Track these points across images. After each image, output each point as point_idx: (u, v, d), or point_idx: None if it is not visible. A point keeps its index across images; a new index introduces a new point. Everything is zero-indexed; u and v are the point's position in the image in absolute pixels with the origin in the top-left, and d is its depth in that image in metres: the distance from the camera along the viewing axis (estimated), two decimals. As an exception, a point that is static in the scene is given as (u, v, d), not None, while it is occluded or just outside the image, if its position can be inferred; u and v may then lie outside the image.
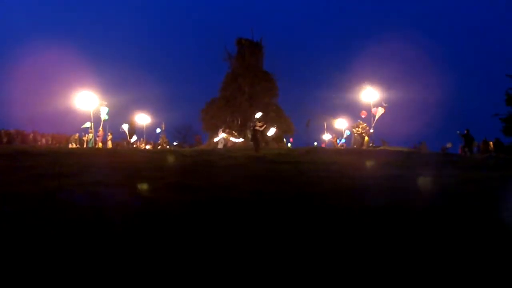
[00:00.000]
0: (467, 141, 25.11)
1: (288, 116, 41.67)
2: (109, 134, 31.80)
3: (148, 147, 35.71)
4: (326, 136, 42.40)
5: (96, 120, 30.30)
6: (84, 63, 64.47)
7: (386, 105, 31.43)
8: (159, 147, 35.63)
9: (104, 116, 30.61)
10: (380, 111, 31.03)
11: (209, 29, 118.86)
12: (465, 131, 25.24)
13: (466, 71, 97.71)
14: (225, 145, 29.20)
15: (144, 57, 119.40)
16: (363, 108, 32.39)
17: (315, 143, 43.60)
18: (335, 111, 42.41)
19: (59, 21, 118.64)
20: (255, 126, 22.92)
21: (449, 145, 29.59)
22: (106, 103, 30.76)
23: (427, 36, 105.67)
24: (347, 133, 37.45)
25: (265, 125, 23.22)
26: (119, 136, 36.75)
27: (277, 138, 36.97)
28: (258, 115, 32.19)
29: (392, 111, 33.43)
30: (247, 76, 40.18)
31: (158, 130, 40.35)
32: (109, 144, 31.42)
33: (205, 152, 22.62)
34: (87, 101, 29.44)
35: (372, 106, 31.47)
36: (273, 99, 41.29)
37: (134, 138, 36.40)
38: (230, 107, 39.09)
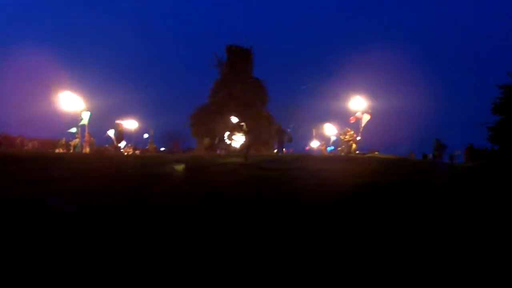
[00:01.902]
0: (438, 149, 25.65)
1: (278, 122, 41.77)
2: (92, 138, 31.58)
3: (137, 152, 35.52)
4: (314, 143, 42.44)
5: (82, 124, 30.12)
6: (71, 68, 63.90)
7: (370, 111, 31.62)
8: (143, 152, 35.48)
9: (85, 121, 30.25)
10: (365, 118, 31.18)
11: (198, 34, 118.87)
12: (435, 140, 25.77)
13: (453, 80, 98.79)
14: (226, 150, 28.57)
15: (132, 62, 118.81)
16: (352, 115, 32.50)
17: (284, 150, 42.95)
18: (323, 118, 42.40)
19: (45, 23, 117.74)
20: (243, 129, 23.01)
21: (456, 152, 29.98)
22: (85, 107, 30.38)
23: (416, 44, 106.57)
24: (333, 139, 37.55)
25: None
26: (106, 142, 36.49)
27: (267, 144, 37.03)
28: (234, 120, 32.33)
29: (381, 119, 33.65)
30: (238, 83, 40.29)
31: (146, 136, 40.17)
32: (93, 148, 31.35)
33: (194, 158, 22.57)
34: (71, 104, 29.19)
35: (361, 113, 31.55)
36: (264, 106, 41.44)
37: (123, 143, 36.16)
38: (220, 113, 39.06)
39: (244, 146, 22.62)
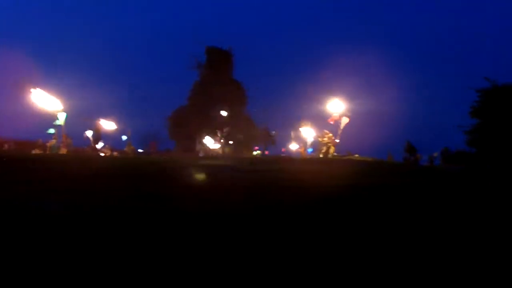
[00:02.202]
0: (410, 151, 26.09)
1: (257, 124, 41.99)
2: (69, 139, 31.38)
3: (115, 154, 35.28)
4: (293, 146, 42.70)
5: (58, 125, 29.88)
6: (47, 68, 63.00)
7: (349, 114, 31.93)
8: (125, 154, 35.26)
9: (61, 121, 29.93)
10: (344, 121, 31.44)
11: (179, 35, 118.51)
12: (406, 143, 26.20)
13: (432, 84, 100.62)
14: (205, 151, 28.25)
15: (110, 63, 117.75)
16: (330, 117, 32.71)
17: (258, 151, 43.05)
18: (301, 120, 42.63)
19: (17, 21, 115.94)
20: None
21: (435, 154, 30.52)
22: (62, 108, 30.07)
23: (393, 47, 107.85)
24: (310, 140, 37.88)
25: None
26: (84, 143, 36.19)
27: (246, 146, 37.19)
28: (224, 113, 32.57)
29: (360, 122, 34.06)
30: (216, 85, 40.32)
31: (124, 137, 39.87)
32: (71, 149, 31.22)
33: (173, 160, 22.54)
34: (48, 104, 28.88)
35: (338, 115, 31.78)
36: (242, 108, 41.60)
37: (101, 144, 35.92)
38: (199, 115, 39.07)
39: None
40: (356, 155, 29.97)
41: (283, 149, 42.60)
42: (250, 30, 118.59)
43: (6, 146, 31.63)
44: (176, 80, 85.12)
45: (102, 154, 33.19)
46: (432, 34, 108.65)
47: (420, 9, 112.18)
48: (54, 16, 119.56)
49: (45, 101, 28.80)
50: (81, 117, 34.98)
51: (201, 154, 30.29)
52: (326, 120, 33.03)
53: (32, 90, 28.66)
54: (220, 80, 40.30)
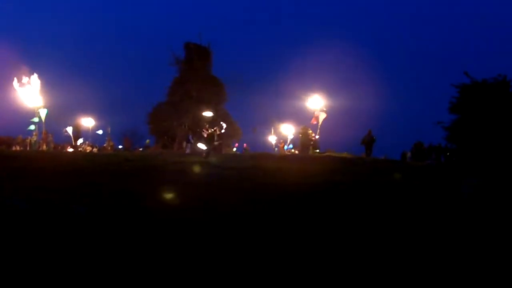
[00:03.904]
0: (368, 143, 26.14)
1: (236, 121, 41.92)
2: (49, 135, 31.19)
3: (94, 150, 35.08)
4: (272, 138, 42.62)
5: (39, 122, 29.72)
6: (28, 64, 61.96)
7: (326, 109, 32.07)
8: (105, 150, 35.08)
9: (41, 118, 29.75)
10: (322, 116, 31.59)
11: (156, 32, 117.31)
12: (368, 131, 26.24)
13: (411, 79, 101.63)
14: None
15: (89, 59, 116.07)
16: (310, 114, 32.89)
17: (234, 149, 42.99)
18: (281, 117, 42.67)
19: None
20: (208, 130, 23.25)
21: (408, 153, 30.74)
22: (43, 105, 29.89)
23: (371, 44, 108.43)
24: (290, 137, 38.02)
25: (213, 131, 23.53)
26: (64, 139, 35.95)
27: (224, 143, 37.13)
28: (208, 114, 32.51)
29: (340, 118, 34.28)
30: (195, 81, 40.04)
31: (100, 132, 39.47)
32: (51, 145, 31.08)
33: (150, 156, 22.54)
34: (30, 100, 28.75)
35: (318, 111, 31.93)
36: (221, 104, 41.43)
37: (81, 140, 35.71)
38: (178, 111, 38.95)
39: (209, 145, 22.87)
40: (345, 153, 30.14)
41: (244, 145, 42.19)
42: (229, 25, 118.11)
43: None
44: (159, 76, 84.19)
45: (83, 150, 33.03)
46: (408, 32, 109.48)
47: (397, 6, 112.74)
48: (34, 11, 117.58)
49: (26, 97, 28.69)
50: (64, 116, 34.87)
51: (187, 151, 30.10)
52: (305, 117, 33.21)
53: (13, 86, 28.53)
54: (198, 77, 40.06)
